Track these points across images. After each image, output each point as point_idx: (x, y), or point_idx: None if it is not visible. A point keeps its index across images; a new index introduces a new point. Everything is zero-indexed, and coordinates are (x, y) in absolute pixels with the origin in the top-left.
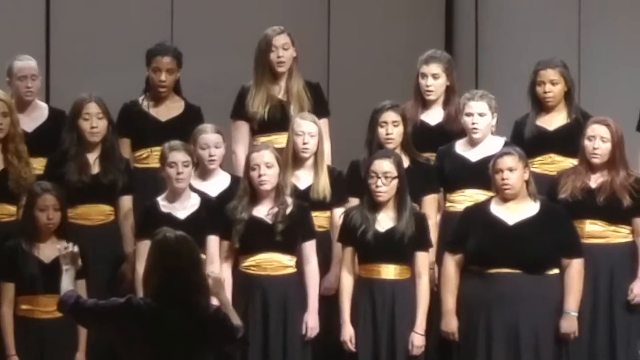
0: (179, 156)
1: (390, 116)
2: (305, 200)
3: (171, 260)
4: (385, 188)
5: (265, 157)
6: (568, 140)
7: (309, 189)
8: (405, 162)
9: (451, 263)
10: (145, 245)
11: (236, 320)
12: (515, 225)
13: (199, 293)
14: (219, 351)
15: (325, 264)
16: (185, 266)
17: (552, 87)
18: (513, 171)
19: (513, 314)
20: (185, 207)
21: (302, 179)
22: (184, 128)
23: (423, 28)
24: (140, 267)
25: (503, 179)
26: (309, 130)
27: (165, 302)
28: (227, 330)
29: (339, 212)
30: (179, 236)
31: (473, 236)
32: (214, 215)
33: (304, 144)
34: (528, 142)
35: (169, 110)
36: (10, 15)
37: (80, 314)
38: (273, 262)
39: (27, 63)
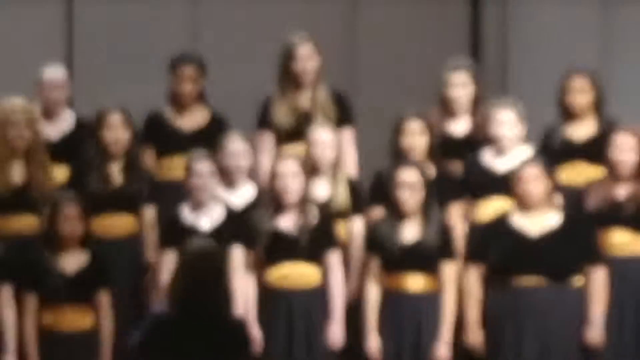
0: (204, 167)
1: (414, 125)
2: (324, 211)
3: (194, 270)
4: (410, 198)
5: (290, 167)
6: (596, 150)
7: (327, 199)
8: (431, 171)
9: (474, 275)
10: (169, 256)
11: None
12: (538, 236)
13: (222, 303)
14: None
15: (344, 274)
16: (208, 276)
17: (581, 96)
18: (536, 182)
19: (541, 323)
20: (209, 217)
21: (320, 189)
22: (209, 138)
23: (449, 36)
24: (164, 278)
25: (526, 190)
26: (326, 140)
27: (186, 311)
28: (247, 342)
29: (357, 221)
30: (205, 246)
31: (496, 248)
32: (238, 225)
33: (322, 153)
34: (556, 151)
35: (194, 119)
36: (33, 26)
37: None
38: (298, 273)
39: (55, 73)
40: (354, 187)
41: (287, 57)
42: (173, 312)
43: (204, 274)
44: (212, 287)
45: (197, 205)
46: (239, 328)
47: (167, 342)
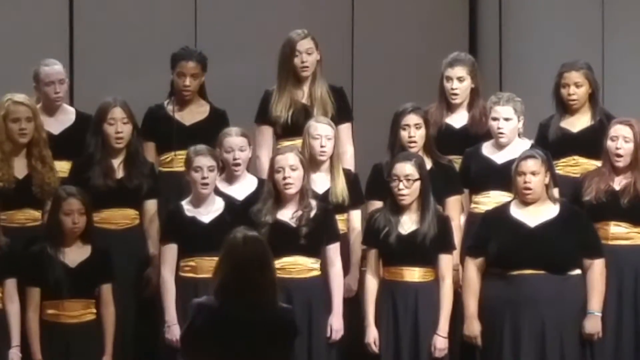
0: (204, 161)
1: (412, 119)
2: (323, 204)
3: (236, 259)
4: (407, 191)
5: (290, 160)
6: (592, 142)
7: (326, 192)
8: (428, 164)
9: (472, 267)
10: (169, 249)
11: None
12: (537, 227)
13: (264, 292)
14: (287, 353)
15: (343, 267)
16: (250, 265)
17: (577, 89)
18: (536, 175)
19: (538, 314)
20: (209, 211)
21: (319, 182)
22: (209, 132)
23: (447, 31)
24: (165, 271)
25: (525, 182)
26: (326, 133)
27: (228, 299)
28: (293, 330)
29: (355, 215)
30: (248, 236)
31: (495, 239)
32: (238, 218)
33: (321, 147)
34: (552, 144)
35: (194, 114)
36: (34, 21)
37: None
38: (297, 265)
39: (54, 68)
40: (352, 181)
41: (288, 52)
42: (218, 301)
43: (248, 263)
44: (256, 276)
45: (197, 199)
46: (285, 316)
47: (213, 331)
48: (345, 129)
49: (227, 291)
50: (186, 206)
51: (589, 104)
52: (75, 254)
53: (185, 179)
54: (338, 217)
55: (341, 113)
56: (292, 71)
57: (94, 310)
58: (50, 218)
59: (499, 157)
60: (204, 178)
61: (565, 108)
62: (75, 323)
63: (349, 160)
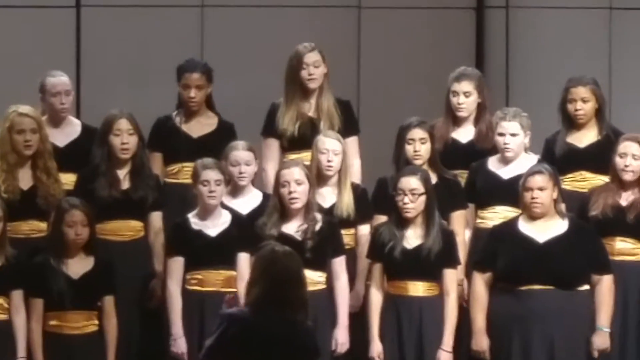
0: (212, 174)
1: (417, 133)
2: (330, 217)
3: (275, 273)
4: (412, 205)
5: (295, 175)
6: (599, 157)
7: (333, 206)
8: (433, 179)
9: (480, 282)
10: (176, 262)
11: None
12: (546, 242)
13: (298, 309)
14: None
15: (350, 281)
16: (288, 280)
17: (583, 104)
18: (543, 190)
19: (548, 330)
20: (216, 225)
21: (326, 197)
22: (216, 144)
23: (453, 46)
24: (171, 284)
25: (533, 198)
26: (333, 148)
27: (263, 312)
28: (317, 351)
29: (363, 230)
30: (287, 251)
31: (503, 254)
32: (244, 232)
33: (328, 161)
34: (559, 159)
35: (202, 126)
36: (41, 32)
37: None
38: None
39: (60, 79)
40: (360, 195)
41: (295, 65)
42: (249, 314)
43: (283, 278)
44: (289, 292)
45: (204, 212)
46: (312, 334)
47: (245, 343)
48: (352, 142)
49: (263, 305)
50: (192, 219)
51: (596, 119)
52: (78, 266)
53: (193, 192)
54: (345, 232)
55: (348, 126)
56: (299, 84)
57: (97, 322)
58: (53, 229)
59: (505, 172)
60: (211, 192)
61: (572, 123)
62: (78, 334)
63: (355, 174)
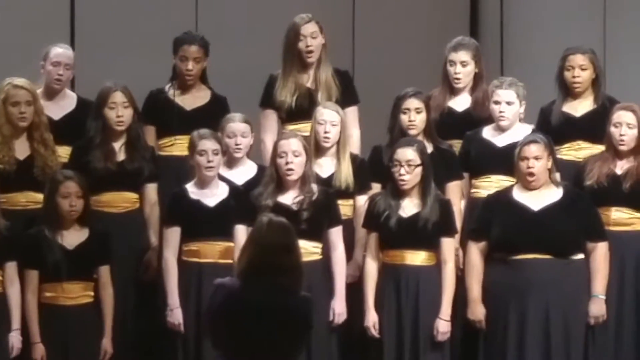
0: (209, 144)
1: (413, 103)
2: (327, 188)
3: (261, 241)
4: (408, 176)
5: (293, 146)
6: (595, 127)
7: (331, 177)
8: (428, 149)
9: (475, 251)
10: (173, 232)
11: None
12: (540, 210)
13: (286, 276)
14: (298, 343)
15: (348, 252)
16: (276, 248)
17: (581, 72)
18: (539, 159)
19: (543, 299)
20: (214, 195)
21: (325, 167)
22: (209, 117)
23: (448, 15)
24: (168, 254)
25: (528, 167)
26: (331, 119)
27: (249, 280)
28: (310, 320)
29: (362, 200)
30: (274, 220)
31: (497, 223)
32: (242, 204)
33: (325, 133)
34: (555, 128)
35: (195, 99)
36: (35, 4)
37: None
38: None
39: (65, 51)
40: (358, 166)
41: (292, 36)
42: (241, 283)
43: (270, 245)
44: (280, 260)
45: (202, 183)
46: (303, 306)
47: (230, 311)
48: (351, 112)
49: (249, 273)
50: (190, 189)
51: (592, 88)
52: (73, 237)
53: (189, 163)
54: (343, 202)
55: (346, 96)
56: (297, 55)
57: (92, 293)
58: (48, 201)
59: (500, 140)
60: (209, 161)
61: (568, 92)
62: (74, 305)
63: (355, 144)
